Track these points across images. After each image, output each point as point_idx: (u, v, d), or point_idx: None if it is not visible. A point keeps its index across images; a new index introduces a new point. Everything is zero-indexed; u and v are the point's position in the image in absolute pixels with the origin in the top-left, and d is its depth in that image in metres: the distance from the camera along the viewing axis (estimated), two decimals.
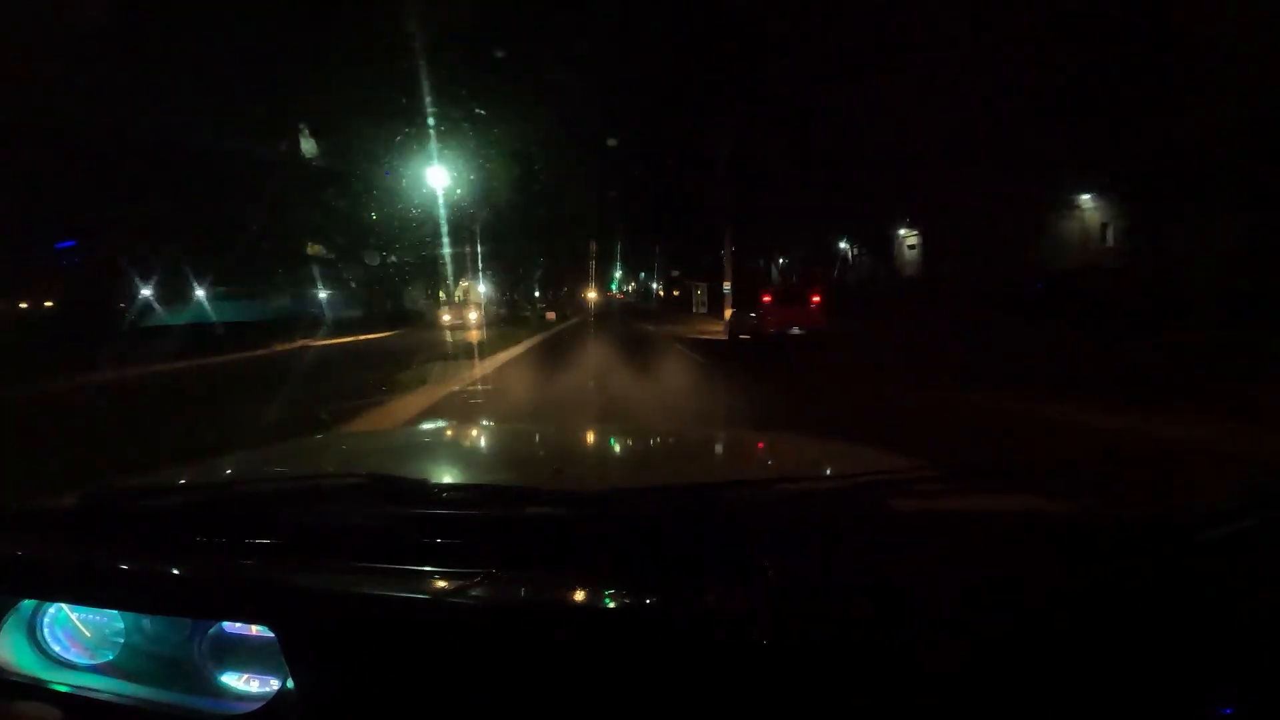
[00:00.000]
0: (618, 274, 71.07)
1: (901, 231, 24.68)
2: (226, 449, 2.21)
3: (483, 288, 30.18)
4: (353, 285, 27.50)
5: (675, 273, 58.26)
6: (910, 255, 24.02)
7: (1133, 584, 0.75)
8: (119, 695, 0.76)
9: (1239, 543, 0.76)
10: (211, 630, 0.81)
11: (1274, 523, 0.74)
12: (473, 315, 24.74)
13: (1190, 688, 0.64)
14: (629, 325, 26.72)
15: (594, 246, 47.82)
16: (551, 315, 30.04)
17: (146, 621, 0.83)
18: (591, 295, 53.78)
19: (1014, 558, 0.81)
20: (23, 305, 21.35)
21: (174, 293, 17.58)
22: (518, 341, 16.89)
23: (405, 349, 12.77)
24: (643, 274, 79.06)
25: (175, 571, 0.81)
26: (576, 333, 22.90)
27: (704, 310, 35.20)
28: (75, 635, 0.85)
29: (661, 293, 62.23)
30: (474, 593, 0.74)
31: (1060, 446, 4.64)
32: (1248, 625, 0.69)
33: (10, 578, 0.83)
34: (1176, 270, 11.32)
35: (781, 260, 34.27)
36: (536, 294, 42.53)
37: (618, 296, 68.92)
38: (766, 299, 15.94)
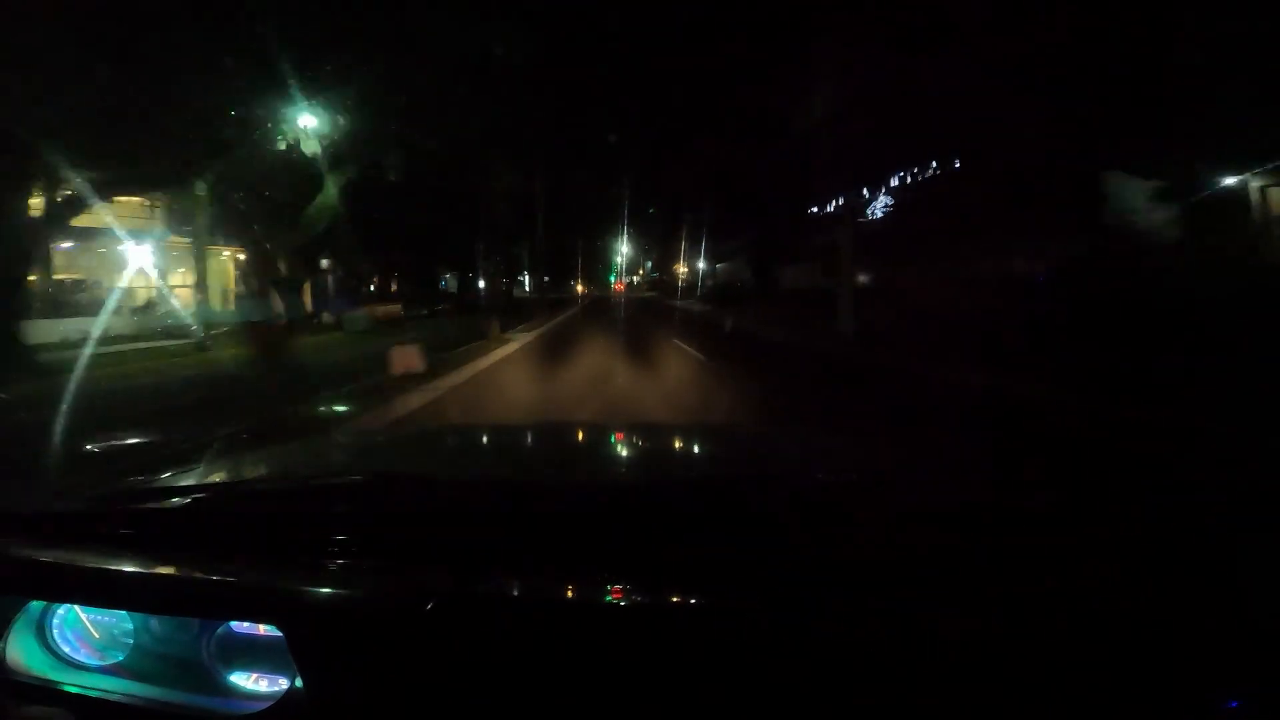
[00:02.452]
0: (623, 251, 48.23)
1: None
2: None
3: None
4: None
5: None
6: None
7: (1135, 577, 0.75)
8: (128, 696, 0.77)
9: (1242, 536, 0.75)
10: (220, 630, 0.81)
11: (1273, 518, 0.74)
12: None
13: (1195, 681, 0.64)
14: None
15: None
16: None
17: (155, 622, 0.83)
18: (581, 289, 39.75)
19: (1017, 553, 0.81)
20: None
21: None
22: None
23: None
24: (648, 264, 59.45)
25: (183, 572, 0.81)
26: None
27: None
28: (84, 636, 0.85)
29: (710, 278, 36.66)
30: (480, 590, 0.74)
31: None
32: (1252, 617, 0.69)
33: (19, 579, 0.84)
34: None
35: None
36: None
37: (617, 289, 50.89)
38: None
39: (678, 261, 42.85)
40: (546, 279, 36.76)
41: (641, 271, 63.35)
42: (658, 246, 51.15)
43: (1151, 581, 0.74)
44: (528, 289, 35.08)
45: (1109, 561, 0.77)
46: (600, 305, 30.80)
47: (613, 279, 54.57)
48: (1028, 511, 0.94)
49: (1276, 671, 0.64)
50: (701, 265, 37.30)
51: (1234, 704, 0.62)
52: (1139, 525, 0.86)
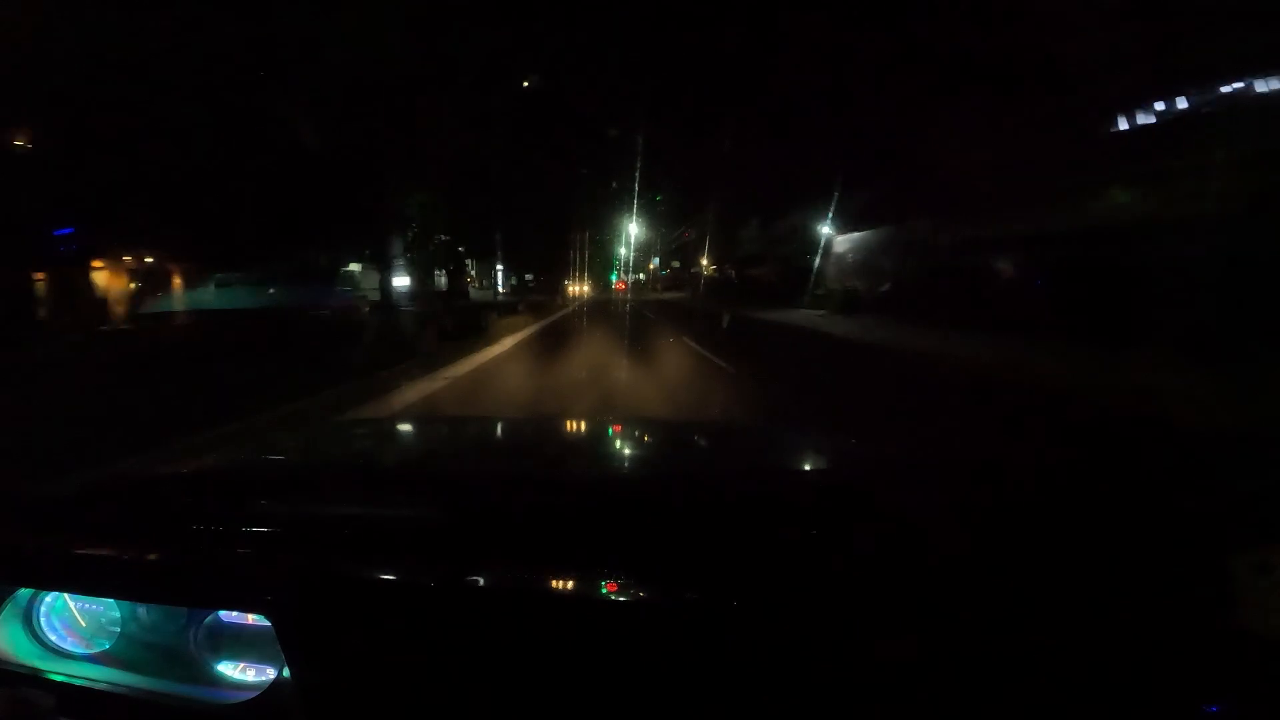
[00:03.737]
0: (631, 231, 38.38)
1: None
2: None
3: None
4: None
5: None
6: None
7: (1117, 577, 0.75)
8: (115, 684, 0.77)
9: (1225, 534, 0.76)
10: (208, 619, 0.81)
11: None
12: None
13: (1176, 684, 0.64)
14: None
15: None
16: None
17: (143, 610, 0.83)
18: (577, 290, 32.66)
19: (1009, 550, 0.81)
20: None
21: None
22: None
23: None
24: (655, 259, 49.15)
25: (171, 560, 0.81)
26: None
27: None
28: (72, 624, 0.85)
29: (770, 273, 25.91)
30: (468, 581, 0.74)
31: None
32: (1232, 619, 0.69)
33: (6, 566, 0.84)
34: None
35: None
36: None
37: (618, 288, 43.32)
38: None
39: (701, 252, 33.73)
40: (530, 277, 29.43)
41: (652, 266, 52.15)
42: (669, 237, 40.80)
43: (1134, 586, 0.74)
44: (500, 289, 26.03)
45: (1092, 565, 0.78)
46: (596, 319, 19.59)
47: (614, 277, 46.47)
48: (1017, 512, 0.94)
49: (1255, 676, 0.64)
50: (825, 231, 22.13)
51: (1214, 708, 0.62)
52: (1123, 529, 0.86)
